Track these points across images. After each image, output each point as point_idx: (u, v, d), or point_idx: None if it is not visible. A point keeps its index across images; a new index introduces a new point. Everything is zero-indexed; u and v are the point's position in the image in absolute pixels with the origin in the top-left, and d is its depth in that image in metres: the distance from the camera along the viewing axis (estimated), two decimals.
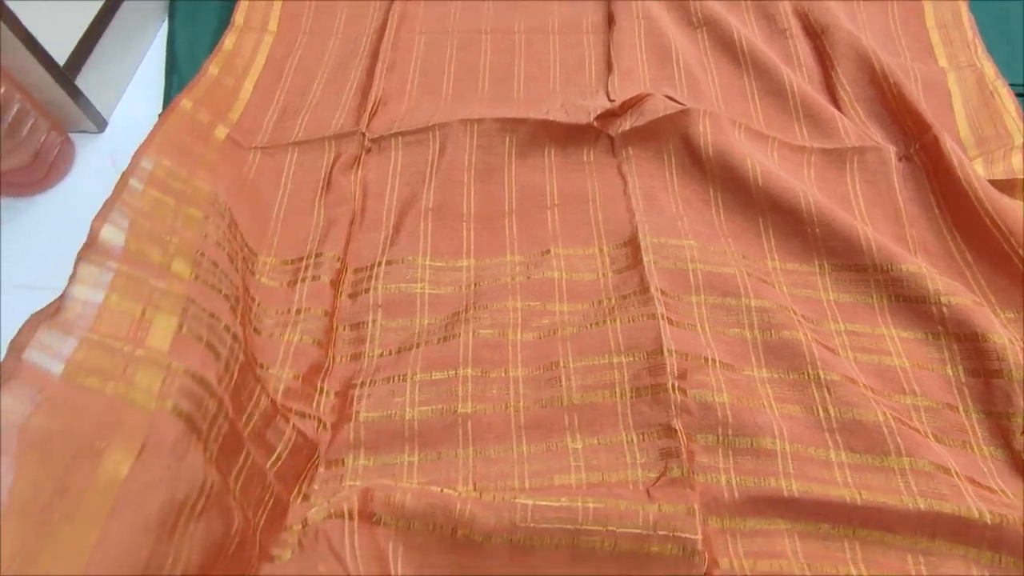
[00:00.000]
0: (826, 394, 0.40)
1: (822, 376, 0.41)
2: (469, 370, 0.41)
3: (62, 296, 0.34)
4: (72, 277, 0.35)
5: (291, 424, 0.38)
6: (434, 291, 0.47)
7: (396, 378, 0.41)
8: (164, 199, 0.41)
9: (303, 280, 0.45)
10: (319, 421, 0.40)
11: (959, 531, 0.35)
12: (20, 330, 0.32)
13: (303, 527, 0.34)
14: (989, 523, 0.35)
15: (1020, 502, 0.37)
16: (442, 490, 0.35)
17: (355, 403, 0.41)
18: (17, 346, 0.31)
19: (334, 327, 0.44)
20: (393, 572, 0.33)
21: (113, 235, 0.36)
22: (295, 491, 0.37)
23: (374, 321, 0.45)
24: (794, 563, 0.36)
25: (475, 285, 0.47)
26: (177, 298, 0.35)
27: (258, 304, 0.44)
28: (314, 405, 0.40)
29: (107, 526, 0.27)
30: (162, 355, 0.33)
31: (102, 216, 0.37)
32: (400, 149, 0.54)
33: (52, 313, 0.33)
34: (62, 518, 0.26)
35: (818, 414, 0.40)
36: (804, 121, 0.55)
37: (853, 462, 0.38)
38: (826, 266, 0.47)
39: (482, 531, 0.33)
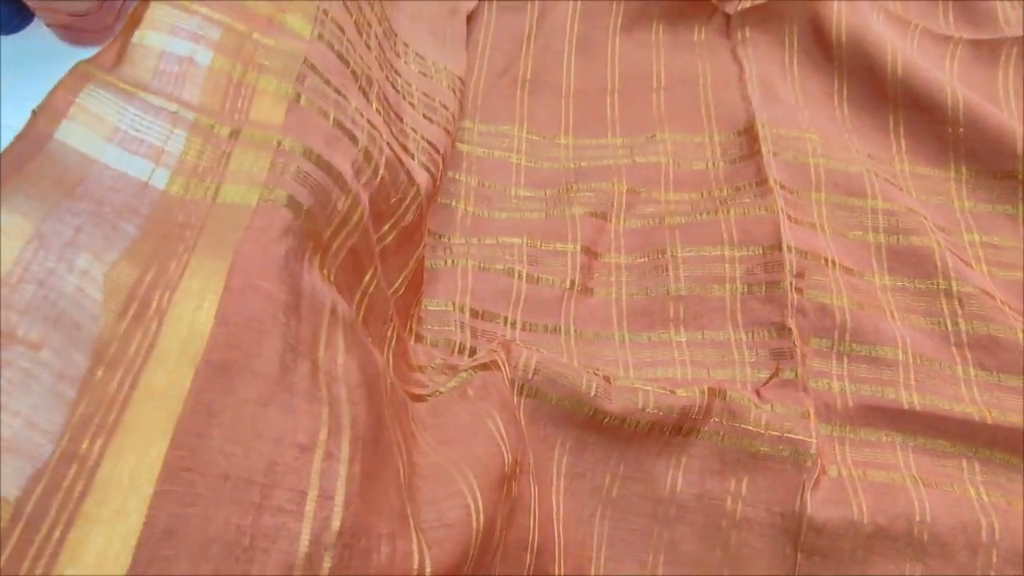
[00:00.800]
0: (957, 307, 0.37)
1: (954, 287, 0.37)
2: (579, 247, 0.39)
3: (121, 41, 0.23)
4: (135, 20, 0.23)
5: (421, 246, 0.34)
6: (531, 164, 0.44)
7: (498, 244, 0.39)
8: None
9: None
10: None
11: None
12: (55, 88, 0.21)
13: (469, 371, 0.31)
14: None
15: None
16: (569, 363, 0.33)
17: (454, 252, 0.39)
18: (50, 111, 0.21)
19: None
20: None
21: None
22: (407, 328, 0.35)
23: (469, 174, 0.42)
24: (906, 476, 0.34)
25: (575, 164, 0.44)
26: (292, 58, 0.26)
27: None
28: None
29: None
30: (273, 130, 0.24)
31: None
32: (494, 13, 0.49)
33: (108, 63, 0.23)
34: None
35: (946, 327, 0.37)
36: (952, 6, 0.48)
37: (984, 380, 0.35)
38: (964, 171, 0.43)
39: (608, 410, 0.31)
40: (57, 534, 0.16)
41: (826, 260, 0.38)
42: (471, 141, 0.44)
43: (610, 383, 0.32)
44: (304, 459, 0.19)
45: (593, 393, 0.31)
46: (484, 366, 0.31)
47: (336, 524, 0.19)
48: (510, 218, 0.41)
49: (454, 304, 0.37)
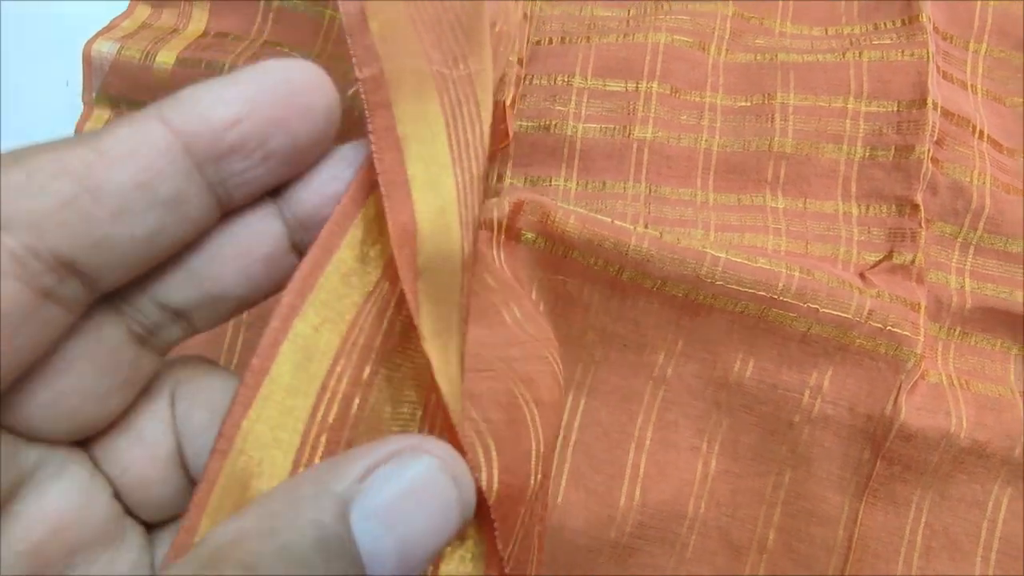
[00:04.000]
0: None
1: None
2: (656, 85, 0.32)
3: None
4: None
5: None
6: None
7: (559, 78, 0.32)
8: None
9: None
10: None
11: None
12: None
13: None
14: None
15: None
16: (613, 221, 0.27)
17: (512, 93, 0.32)
18: None
19: None
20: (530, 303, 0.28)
21: None
22: None
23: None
24: (1016, 392, 0.29)
25: None
26: None
27: None
28: None
29: None
30: None
31: None
32: None
33: None
34: None
35: None
36: None
37: None
38: None
39: (658, 275, 0.27)
40: None
41: (974, 128, 0.31)
42: None
43: (664, 241, 0.26)
44: None
45: (641, 256, 0.26)
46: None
47: None
48: (575, 46, 0.33)
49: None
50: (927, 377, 0.29)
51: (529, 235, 0.27)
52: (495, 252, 0.27)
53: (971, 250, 0.30)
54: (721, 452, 0.28)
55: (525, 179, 0.31)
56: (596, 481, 0.28)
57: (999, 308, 0.29)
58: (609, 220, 0.27)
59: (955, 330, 0.30)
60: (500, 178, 0.32)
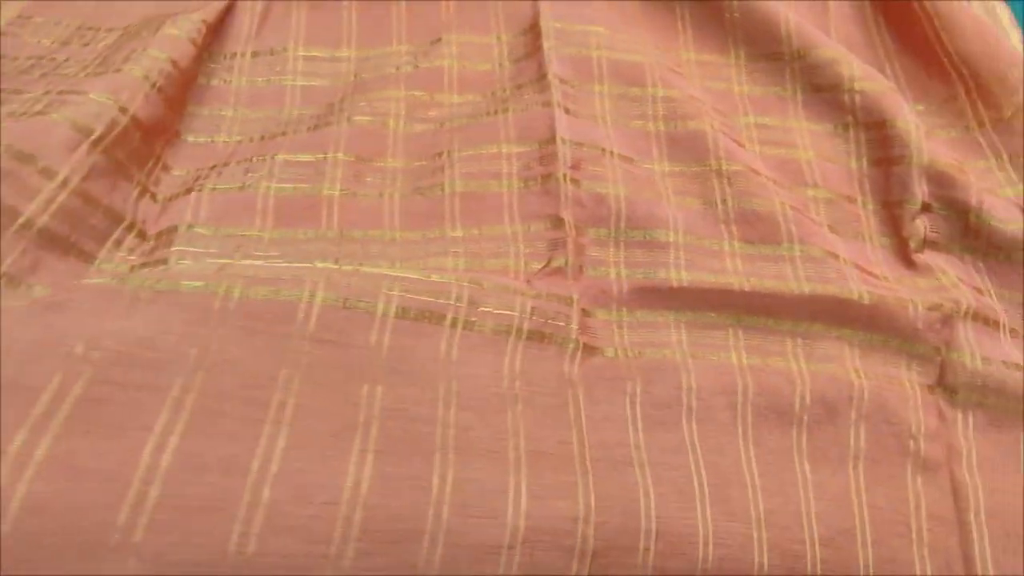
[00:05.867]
0: (726, 185, 0.38)
1: (724, 167, 0.39)
2: (341, 155, 0.38)
3: None
4: None
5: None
6: (307, 83, 0.42)
7: (255, 158, 0.37)
8: None
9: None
10: (148, 192, 0.35)
11: (838, 313, 0.35)
12: None
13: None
14: (867, 303, 0.35)
15: (899, 286, 0.36)
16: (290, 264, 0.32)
17: (203, 180, 0.37)
18: None
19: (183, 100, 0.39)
20: None
21: None
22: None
23: (235, 108, 0.40)
24: (677, 352, 0.35)
25: (355, 76, 0.42)
26: None
27: None
28: (146, 170, 0.36)
29: None
30: None
31: None
32: None
33: None
34: None
35: (716, 206, 0.38)
36: None
37: (745, 252, 0.37)
38: (742, 56, 0.44)
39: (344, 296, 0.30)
40: None
41: (603, 150, 0.39)
42: (242, 70, 0.42)
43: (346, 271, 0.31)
44: None
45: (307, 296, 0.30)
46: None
47: None
48: (271, 140, 0.39)
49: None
50: (603, 354, 0.34)
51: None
52: None
53: (622, 246, 0.37)
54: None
55: (216, 230, 0.35)
56: None
57: (649, 286, 0.36)
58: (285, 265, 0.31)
59: (622, 311, 0.36)
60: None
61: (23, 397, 0.25)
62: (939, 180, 0.38)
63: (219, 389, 0.26)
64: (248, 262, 0.33)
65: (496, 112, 0.40)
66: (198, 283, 0.29)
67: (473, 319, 0.32)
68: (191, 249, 0.34)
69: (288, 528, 0.24)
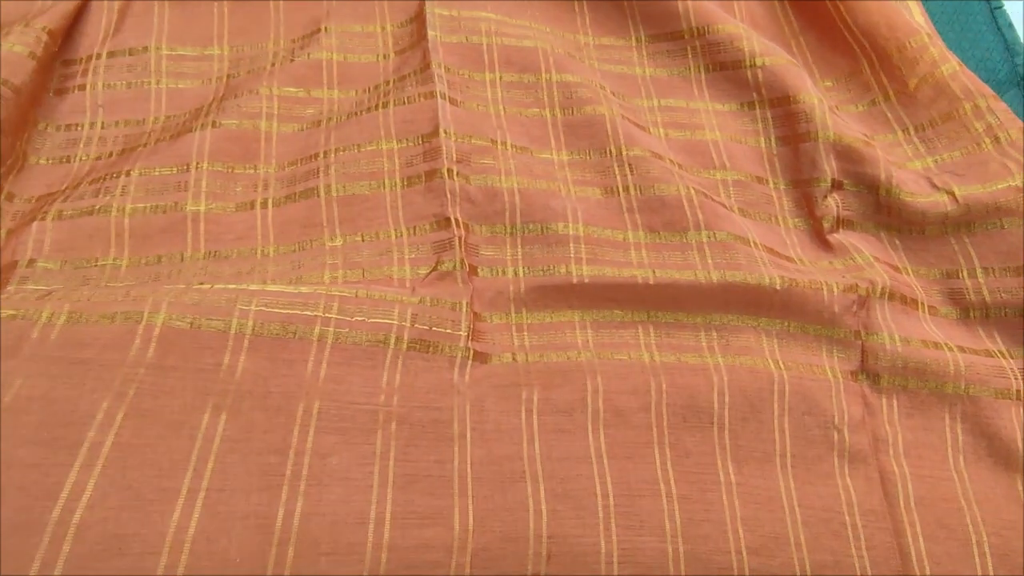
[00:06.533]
0: (628, 172, 0.36)
1: (624, 153, 0.36)
2: (206, 164, 0.34)
3: None
4: None
5: None
6: (174, 85, 0.38)
7: (109, 176, 0.33)
8: None
9: None
10: None
11: (751, 301, 0.33)
12: None
13: None
14: (779, 288, 0.32)
15: (814, 268, 0.34)
16: (129, 293, 0.28)
17: (47, 207, 0.32)
18: None
19: (28, 120, 0.35)
20: None
21: None
22: None
23: (92, 124, 0.36)
24: (583, 353, 0.32)
25: (228, 77, 0.38)
26: None
27: None
28: None
29: None
30: None
31: None
32: None
33: None
34: None
35: (619, 194, 0.36)
36: None
37: (650, 241, 0.34)
38: (642, 37, 0.41)
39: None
40: None
41: (495, 141, 0.36)
42: (97, 72, 0.37)
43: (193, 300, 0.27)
44: None
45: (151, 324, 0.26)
46: None
47: None
48: (131, 153, 0.35)
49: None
50: (499, 359, 0.31)
51: None
52: None
53: (519, 242, 0.34)
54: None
55: (63, 263, 0.31)
56: None
57: (548, 284, 0.33)
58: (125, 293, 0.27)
59: (521, 313, 0.33)
60: None
61: None
62: (848, 156, 0.36)
63: (17, 433, 0.22)
64: (85, 289, 0.29)
65: (377, 107, 0.36)
66: (12, 311, 0.25)
67: (344, 331, 0.28)
68: (30, 288, 0.30)
69: None
